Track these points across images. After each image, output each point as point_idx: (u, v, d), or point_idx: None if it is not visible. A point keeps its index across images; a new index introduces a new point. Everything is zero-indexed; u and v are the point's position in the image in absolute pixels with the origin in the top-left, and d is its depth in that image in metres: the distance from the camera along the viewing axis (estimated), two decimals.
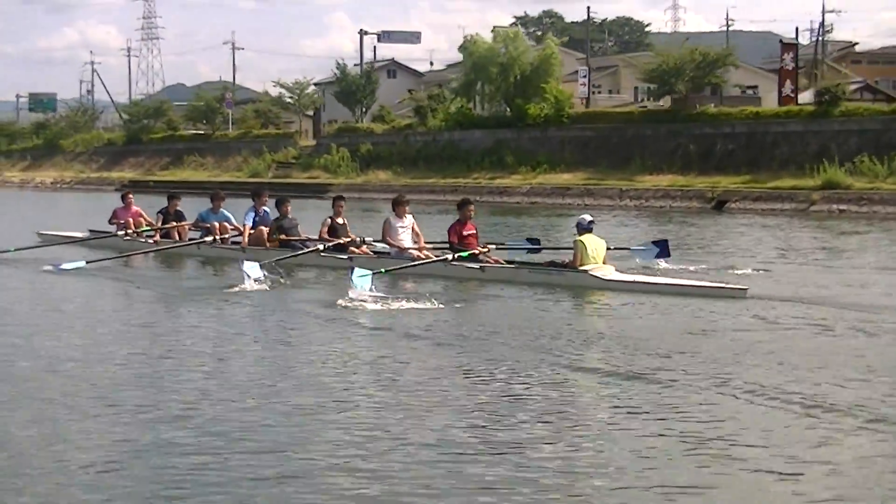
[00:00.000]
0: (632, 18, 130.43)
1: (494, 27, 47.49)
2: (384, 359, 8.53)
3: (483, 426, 6.36)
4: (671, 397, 7.02)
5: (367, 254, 14.74)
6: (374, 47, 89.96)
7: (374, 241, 15.48)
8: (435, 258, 13.74)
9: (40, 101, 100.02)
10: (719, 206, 33.05)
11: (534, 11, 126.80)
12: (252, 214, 16.03)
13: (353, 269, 11.91)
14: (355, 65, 63.19)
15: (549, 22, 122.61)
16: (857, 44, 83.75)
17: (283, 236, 15.61)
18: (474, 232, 14.08)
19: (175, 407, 6.87)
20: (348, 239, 15.06)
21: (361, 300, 11.12)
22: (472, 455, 5.77)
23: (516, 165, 43.60)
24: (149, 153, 71.44)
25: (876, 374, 7.68)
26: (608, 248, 13.18)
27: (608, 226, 26.97)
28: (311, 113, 79.56)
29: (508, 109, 46.94)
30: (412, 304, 11.03)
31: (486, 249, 13.81)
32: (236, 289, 12.34)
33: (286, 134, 61.47)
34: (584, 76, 57.92)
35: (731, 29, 78.24)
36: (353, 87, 55.83)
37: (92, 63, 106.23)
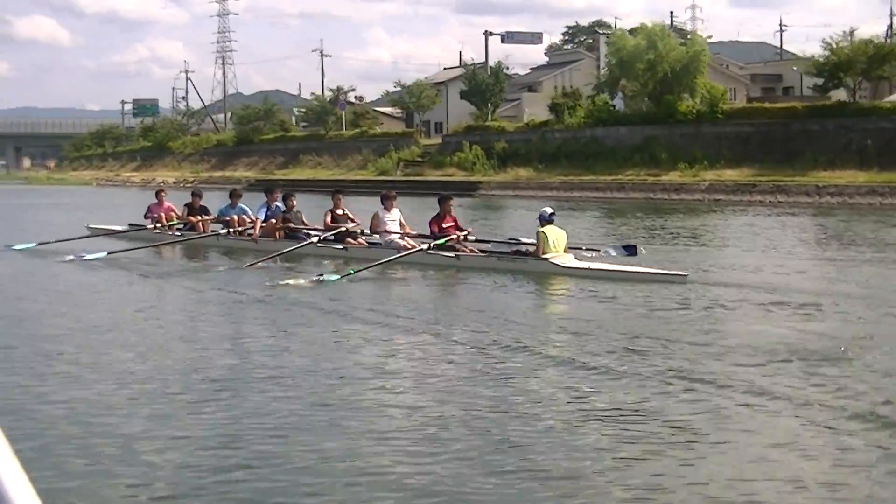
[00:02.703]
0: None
1: (641, 24, 42.37)
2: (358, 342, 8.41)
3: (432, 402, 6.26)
4: (604, 375, 6.90)
5: (363, 244, 14.98)
6: (460, 52, 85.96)
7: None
8: (412, 249, 13.81)
9: (143, 107, 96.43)
10: None
11: (555, 23, 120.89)
12: (264, 209, 16.45)
13: (321, 279, 11.95)
14: (448, 68, 58.66)
15: (601, 31, 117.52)
16: None
17: (288, 226, 15.98)
18: (453, 224, 14.23)
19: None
20: (352, 225, 15.28)
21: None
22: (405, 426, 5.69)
23: (671, 162, 38.72)
24: (261, 153, 67.15)
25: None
26: (582, 249, 13.92)
27: (828, 224, 22.28)
28: (398, 114, 75.14)
29: (654, 106, 41.80)
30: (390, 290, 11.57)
31: (459, 236, 13.93)
32: (221, 269, 13.62)
33: (405, 133, 56.78)
34: None
35: (730, 41, 73.45)
36: (482, 85, 50.76)
37: (186, 72, 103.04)
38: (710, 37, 41.92)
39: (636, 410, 5.95)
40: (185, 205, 18.15)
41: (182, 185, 63.27)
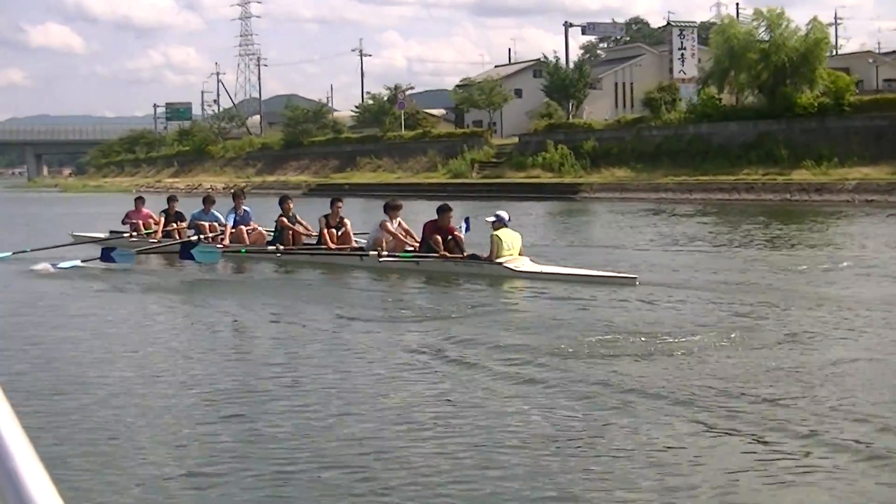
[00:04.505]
0: (705, 22, 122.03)
1: (755, 9, 38.99)
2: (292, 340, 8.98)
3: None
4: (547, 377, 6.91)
5: (337, 248, 14.77)
6: (510, 49, 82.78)
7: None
8: (360, 253, 14.23)
9: (177, 111, 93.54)
10: None
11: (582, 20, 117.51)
12: (233, 215, 16.56)
13: (191, 244, 13.76)
14: (523, 63, 55.09)
15: (636, 28, 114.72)
16: None
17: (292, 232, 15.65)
18: (451, 237, 13.63)
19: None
20: (356, 247, 14.88)
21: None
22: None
23: (793, 160, 35.34)
24: (312, 156, 63.96)
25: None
26: None
27: None
28: (440, 113, 71.96)
29: (765, 98, 38.42)
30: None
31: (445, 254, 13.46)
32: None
33: (474, 133, 53.38)
34: None
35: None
36: (565, 80, 47.43)
37: (217, 74, 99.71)
38: (831, 24, 38.36)
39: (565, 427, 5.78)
40: (162, 211, 18.40)
41: (232, 190, 60.13)
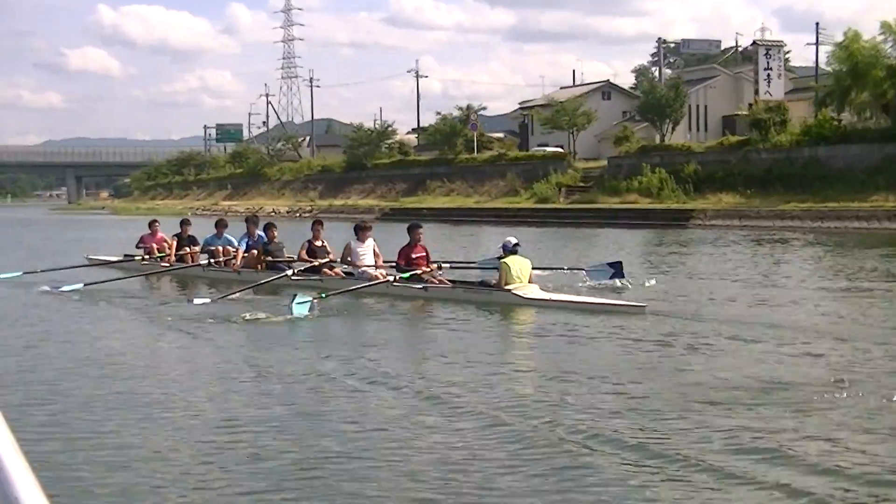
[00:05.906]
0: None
1: (883, 21, 36.46)
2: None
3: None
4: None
5: (340, 275, 15.05)
6: (574, 70, 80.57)
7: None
8: (380, 280, 14.02)
9: (227, 132, 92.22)
10: None
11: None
12: (245, 239, 16.90)
13: (294, 295, 12.13)
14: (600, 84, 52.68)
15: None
16: None
17: (269, 258, 16.17)
18: (424, 254, 14.36)
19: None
20: (325, 260, 15.26)
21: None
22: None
23: None
24: (376, 179, 61.93)
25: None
26: (565, 269, 15.52)
27: None
28: (500, 135, 69.87)
29: (891, 119, 35.90)
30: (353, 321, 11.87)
31: (430, 269, 14.00)
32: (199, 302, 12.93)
33: (556, 156, 51.10)
34: None
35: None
36: (661, 100, 45.14)
37: (267, 95, 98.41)
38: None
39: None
40: (175, 234, 18.36)
41: (298, 214, 58.01)
